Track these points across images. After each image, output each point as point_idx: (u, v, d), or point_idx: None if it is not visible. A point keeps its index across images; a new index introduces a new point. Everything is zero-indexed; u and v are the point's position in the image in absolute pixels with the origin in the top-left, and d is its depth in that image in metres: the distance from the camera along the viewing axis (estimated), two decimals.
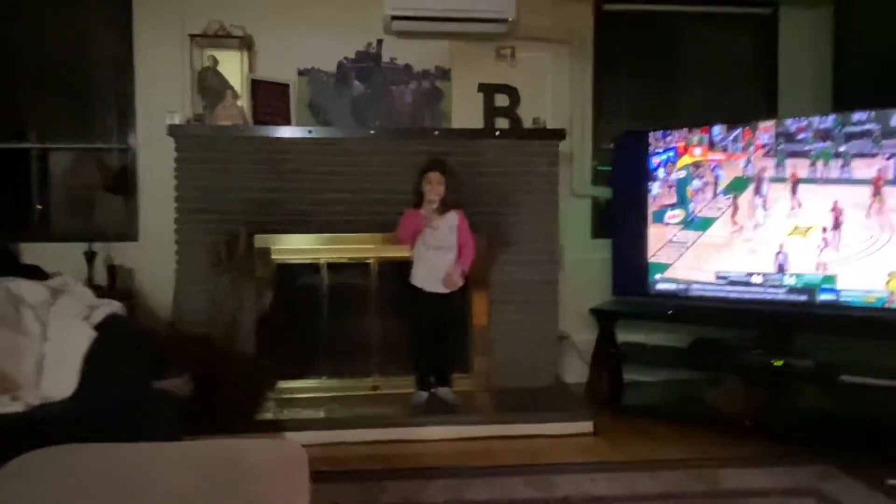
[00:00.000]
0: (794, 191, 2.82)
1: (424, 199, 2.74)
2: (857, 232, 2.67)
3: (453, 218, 2.82)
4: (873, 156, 2.63)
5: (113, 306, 2.20)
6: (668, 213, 3.14)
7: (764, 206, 2.89)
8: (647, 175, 3.18)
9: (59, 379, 1.92)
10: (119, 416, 1.85)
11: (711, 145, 3.03)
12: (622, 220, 3.30)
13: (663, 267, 3.14)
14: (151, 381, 2.09)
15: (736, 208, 2.97)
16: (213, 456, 1.40)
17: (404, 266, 2.90)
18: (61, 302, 2.14)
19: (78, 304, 2.13)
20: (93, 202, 3.21)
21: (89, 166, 3.22)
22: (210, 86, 3.20)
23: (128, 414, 1.87)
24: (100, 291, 2.68)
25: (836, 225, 2.72)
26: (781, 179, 2.85)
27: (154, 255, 3.23)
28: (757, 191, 2.91)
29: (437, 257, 2.80)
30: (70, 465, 1.33)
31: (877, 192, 2.62)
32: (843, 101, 3.51)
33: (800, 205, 2.81)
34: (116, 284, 3.20)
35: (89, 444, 1.46)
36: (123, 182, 3.32)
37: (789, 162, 2.83)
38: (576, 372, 3.42)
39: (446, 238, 2.80)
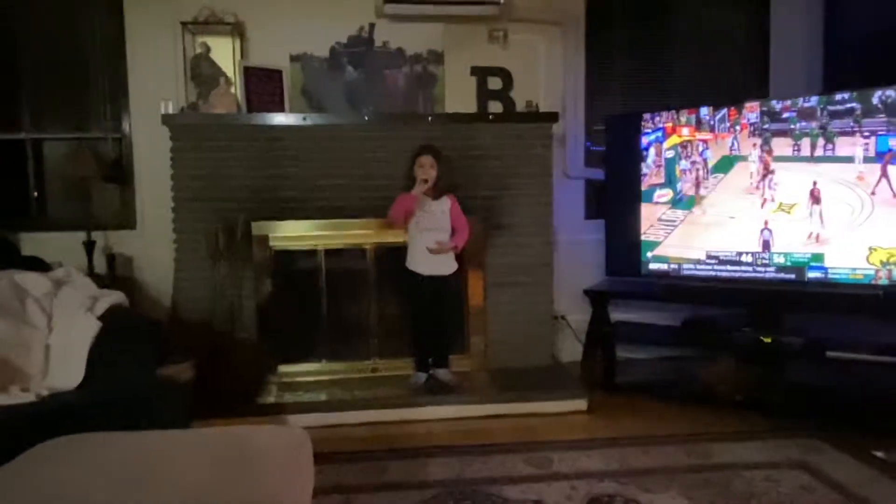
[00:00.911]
0: (774, 169, 2.87)
1: (416, 181, 2.77)
2: (839, 209, 2.72)
3: (446, 202, 2.85)
4: (854, 134, 2.67)
5: (115, 297, 2.24)
6: (657, 193, 3.17)
7: (751, 183, 2.93)
8: (638, 155, 3.21)
9: (67, 370, 1.96)
10: (126, 405, 1.90)
11: (699, 125, 3.06)
12: (614, 200, 3.33)
13: (653, 245, 3.19)
14: (156, 369, 2.14)
15: (723, 187, 3.01)
16: (221, 443, 1.45)
17: (401, 251, 2.94)
18: (64, 293, 2.18)
19: (81, 295, 2.17)
20: (89, 191, 3.22)
21: (84, 155, 3.22)
22: (203, 73, 3.20)
23: (135, 402, 1.92)
24: (100, 280, 2.72)
25: (818, 201, 2.77)
26: (765, 157, 2.89)
27: (152, 243, 3.26)
28: (743, 168, 2.95)
29: (430, 240, 2.84)
30: (83, 454, 1.38)
31: (884, 174, 2.64)
32: (833, 79, 3.54)
33: (783, 182, 2.85)
34: (116, 273, 3.23)
35: (100, 433, 1.51)
36: (119, 171, 3.33)
37: (774, 140, 2.87)
38: (571, 351, 3.49)
39: (439, 221, 2.84)
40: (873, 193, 2.63)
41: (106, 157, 3.33)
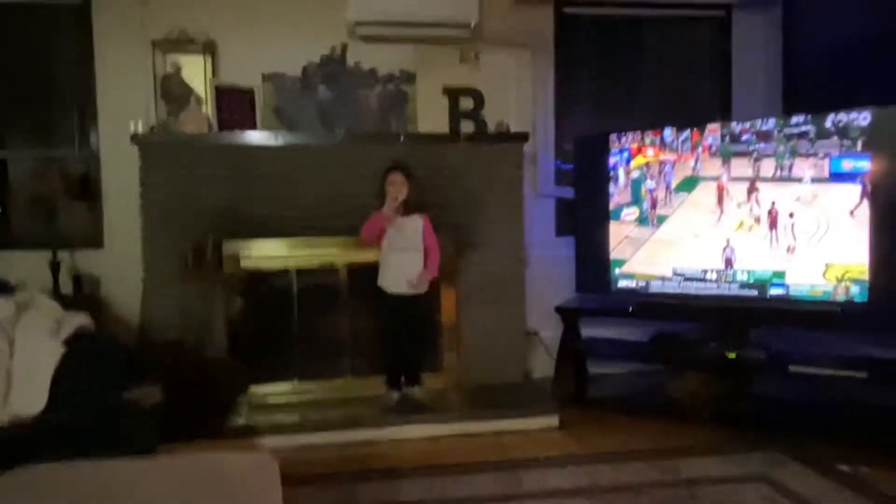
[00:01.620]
0: (735, 189, 2.95)
1: (387, 199, 2.78)
2: (797, 227, 2.80)
3: (418, 220, 2.86)
4: (810, 156, 2.76)
5: (81, 319, 2.18)
6: (625, 211, 3.22)
7: (714, 203, 3.01)
8: (605, 174, 3.26)
9: (28, 396, 1.91)
10: (91, 431, 1.85)
11: (663, 146, 3.13)
12: (584, 219, 3.37)
13: (621, 262, 3.23)
14: (122, 393, 2.09)
15: (687, 206, 3.09)
16: (187, 471, 1.42)
17: (373, 269, 2.93)
18: (28, 317, 2.12)
19: (45, 318, 2.11)
20: (55, 209, 3.16)
21: (51, 173, 3.17)
22: (174, 92, 3.16)
23: (100, 428, 1.87)
24: (66, 300, 2.66)
25: (776, 220, 2.85)
26: (726, 178, 2.97)
27: (120, 263, 3.20)
28: (705, 188, 3.03)
29: (402, 258, 2.84)
30: (44, 487, 1.34)
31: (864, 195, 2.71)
32: (792, 100, 3.66)
33: (744, 201, 2.93)
34: (82, 292, 3.16)
35: (62, 463, 1.47)
36: (87, 189, 3.28)
37: (735, 161, 2.94)
38: (544, 366, 3.51)
39: (411, 240, 2.85)
40: (852, 214, 2.68)
41: (73, 174, 3.27)
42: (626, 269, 3.22)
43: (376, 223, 2.80)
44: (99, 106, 3.27)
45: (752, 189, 2.91)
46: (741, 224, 2.94)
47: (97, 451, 1.66)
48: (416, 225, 2.86)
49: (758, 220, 2.90)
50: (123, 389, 2.11)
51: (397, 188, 2.78)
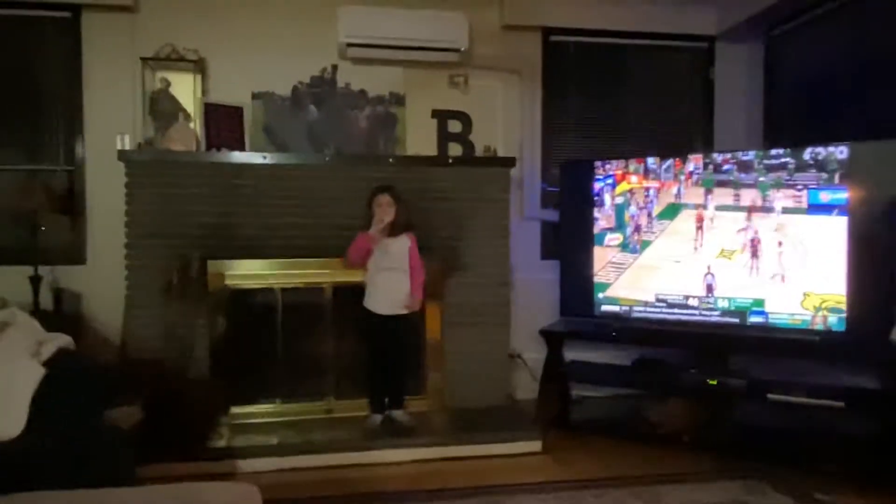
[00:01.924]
0: (716, 217, 3.01)
1: (373, 220, 2.79)
2: (775, 256, 2.85)
3: (405, 241, 2.87)
4: (789, 187, 2.83)
5: (62, 340, 2.15)
6: (608, 236, 3.27)
7: (695, 230, 3.06)
8: (590, 200, 3.31)
9: (7, 419, 1.87)
10: (70, 454, 1.82)
11: (647, 174, 3.18)
12: (568, 243, 3.41)
13: (605, 286, 3.27)
14: (103, 417, 2.06)
15: (669, 233, 3.14)
16: (166, 502, 1.40)
17: (358, 290, 2.93)
18: (8, 337, 2.08)
19: (25, 339, 2.08)
20: (38, 224, 3.11)
21: (34, 187, 3.13)
22: (162, 108, 3.17)
23: (79, 451, 1.84)
24: (46, 317, 2.62)
25: (755, 252, 2.90)
26: (707, 206, 3.03)
27: (103, 279, 3.17)
28: (687, 216, 3.08)
29: (389, 279, 2.85)
30: None
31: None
32: (773, 131, 3.74)
33: (724, 229, 2.99)
34: (63, 309, 3.12)
35: (39, 493, 1.44)
36: (71, 203, 3.25)
37: (716, 190, 3.00)
38: (527, 388, 3.52)
39: (397, 260, 2.85)
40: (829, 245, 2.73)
41: (57, 189, 3.24)
42: (609, 293, 3.26)
43: (362, 244, 2.81)
44: (86, 120, 3.25)
45: (731, 218, 2.96)
46: (721, 251, 2.99)
47: (75, 477, 1.63)
48: (402, 246, 2.87)
49: (737, 247, 2.95)
50: (104, 411, 2.08)
51: (384, 210, 2.79)
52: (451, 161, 3.22)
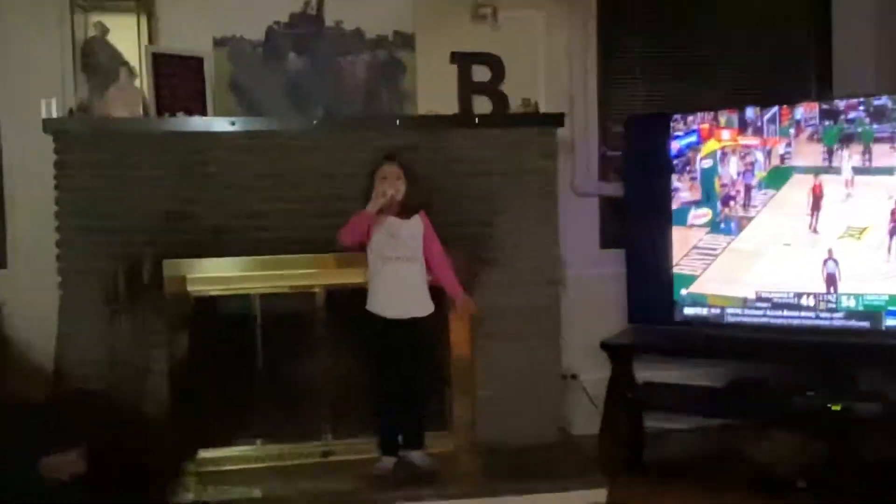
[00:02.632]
0: (845, 183, 2.98)
1: (374, 194, 2.80)
2: None
3: (417, 223, 2.89)
4: None
5: None
6: (693, 213, 3.27)
7: (809, 204, 3.05)
8: (667, 165, 3.29)
9: None
10: None
11: (743, 128, 3.16)
12: (638, 224, 3.41)
13: (688, 280, 3.27)
14: (35, 463, 2.11)
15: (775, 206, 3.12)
16: None
17: (359, 294, 2.94)
18: None
19: None
20: None
21: None
22: (98, 62, 3.20)
23: None
24: None
25: (894, 230, 2.87)
26: (828, 169, 3.00)
27: (28, 288, 3.21)
28: (799, 183, 3.07)
29: (399, 272, 2.86)
30: None
31: None
32: None
33: (851, 200, 2.97)
34: None
35: None
36: None
37: (837, 148, 2.97)
38: (585, 421, 3.53)
39: (409, 247, 2.87)
40: None
41: None
42: (694, 289, 3.26)
43: (360, 223, 2.81)
44: (1, 84, 3.28)
45: (861, 183, 2.93)
46: (847, 231, 2.96)
47: None
48: (414, 228, 2.88)
49: (870, 223, 2.92)
50: (37, 459, 2.14)
51: (390, 183, 2.80)
52: (477, 121, 3.21)
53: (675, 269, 3.28)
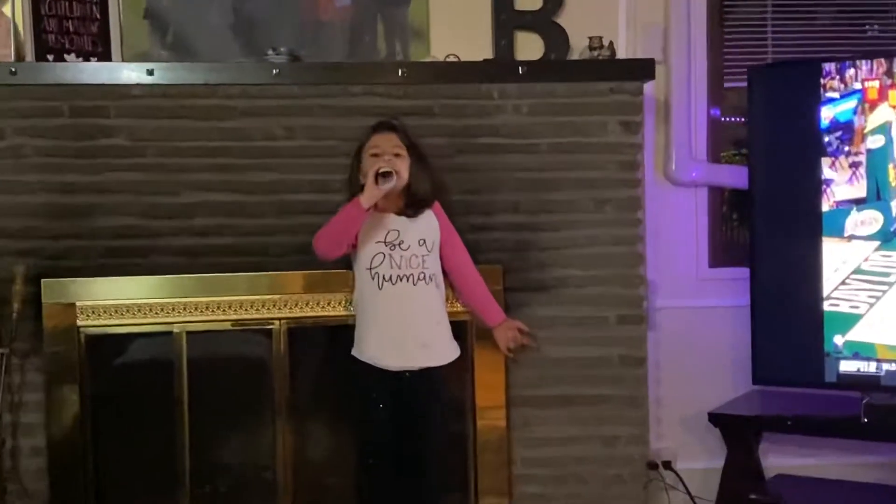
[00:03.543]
0: None
1: (367, 176, 2.76)
2: None
3: (430, 221, 2.87)
4: None
5: None
6: (853, 217, 3.25)
7: None
8: (816, 143, 3.24)
9: None
10: None
11: None
12: (770, 232, 3.38)
13: (847, 320, 3.21)
14: None
15: None
16: None
17: (338, 332, 2.98)
18: None
19: None
20: None
21: None
22: None
23: None
24: None
25: None
26: None
27: None
28: None
29: (405, 297, 2.83)
30: None
31: None
32: None
33: None
34: None
35: None
36: None
37: None
38: None
39: (420, 260, 2.84)
40: None
41: None
42: (855, 336, 3.23)
43: (347, 223, 2.77)
44: None
45: None
46: None
47: None
48: (426, 230, 2.86)
49: None
50: None
51: (390, 160, 2.75)
52: (521, 71, 3.18)
53: (828, 304, 3.26)
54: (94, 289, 2.99)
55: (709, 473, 3.37)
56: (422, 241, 2.84)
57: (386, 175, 2.64)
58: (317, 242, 2.79)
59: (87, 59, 3.08)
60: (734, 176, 3.61)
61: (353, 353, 2.86)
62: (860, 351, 3.19)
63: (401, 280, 2.81)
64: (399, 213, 2.83)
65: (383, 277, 2.81)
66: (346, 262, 2.87)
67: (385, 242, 2.80)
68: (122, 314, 3.01)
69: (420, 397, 2.84)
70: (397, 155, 2.78)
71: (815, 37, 3.72)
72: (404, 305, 2.82)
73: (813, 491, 3.31)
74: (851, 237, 3.21)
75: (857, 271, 3.20)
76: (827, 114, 3.24)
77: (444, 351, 2.87)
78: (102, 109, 3.01)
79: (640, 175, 3.22)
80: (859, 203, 3.22)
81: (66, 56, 3.09)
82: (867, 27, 3.79)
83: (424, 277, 2.83)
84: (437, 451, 2.94)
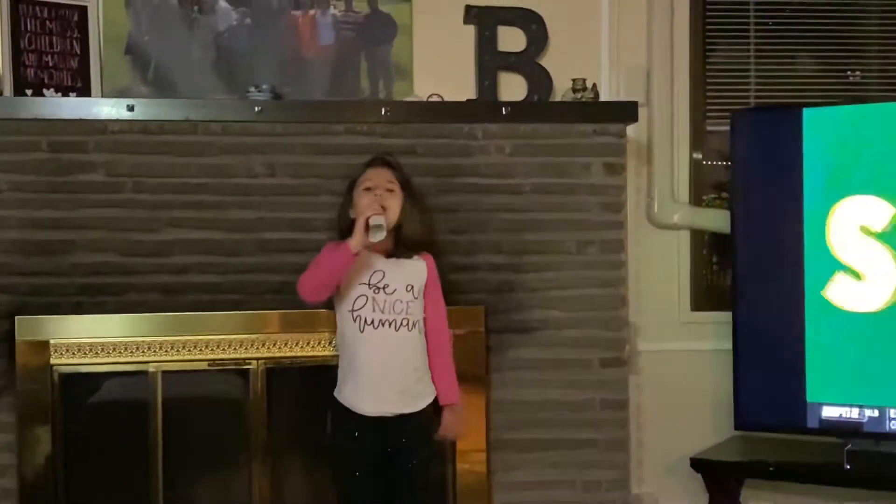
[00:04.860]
0: None
1: (357, 214, 2.75)
2: None
3: (419, 268, 2.87)
4: None
5: None
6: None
7: None
8: (799, 185, 3.28)
9: None
10: None
11: None
12: (752, 275, 3.40)
13: (831, 368, 3.24)
14: None
15: None
16: None
17: (321, 376, 2.95)
18: None
19: None
20: None
21: None
22: None
23: None
24: None
25: None
26: None
27: None
28: None
29: (389, 341, 2.81)
30: None
31: None
32: None
33: None
34: None
35: None
36: None
37: None
38: None
39: (405, 305, 2.83)
40: None
41: None
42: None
43: (334, 264, 2.76)
44: None
45: None
46: None
47: None
48: (414, 275, 2.85)
49: None
50: None
51: (381, 197, 2.75)
52: (505, 111, 3.21)
53: (810, 353, 3.25)
54: (69, 326, 2.99)
55: None
56: (409, 287, 2.82)
57: (377, 227, 2.61)
58: (302, 286, 2.77)
59: (66, 94, 3.09)
60: (716, 219, 3.63)
61: (335, 394, 2.84)
62: (844, 397, 3.20)
63: (383, 325, 2.79)
64: (387, 255, 2.82)
65: (365, 321, 2.79)
66: (327, 302, 2.82)
67: (369, 284, 2.79)
68: (96, 352, 3.01)
69: (398, 443, 2.81)
70: (390, 190, 2.77)
71: (797, 81, 3.74)
72: (384, 351, 2.79)
73: None
74: (837, 283, 3.23)
75: (843, 315, 3.21)
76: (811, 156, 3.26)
77: (421, 397, 2.84)
78: (81, 144, 3.01)
79: (624, 217, 3.25)
80: None
81: (45, 91, 3.10)
82: (849, 73, 3.81)
83: (407, 324, 2.81)
84: (418, 495, 2.90)
